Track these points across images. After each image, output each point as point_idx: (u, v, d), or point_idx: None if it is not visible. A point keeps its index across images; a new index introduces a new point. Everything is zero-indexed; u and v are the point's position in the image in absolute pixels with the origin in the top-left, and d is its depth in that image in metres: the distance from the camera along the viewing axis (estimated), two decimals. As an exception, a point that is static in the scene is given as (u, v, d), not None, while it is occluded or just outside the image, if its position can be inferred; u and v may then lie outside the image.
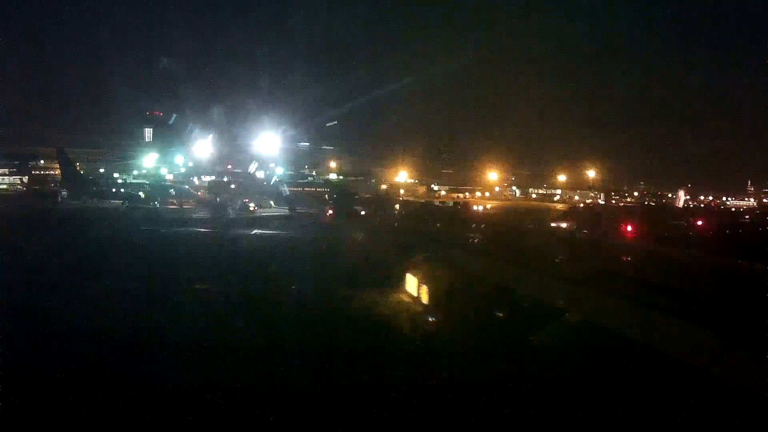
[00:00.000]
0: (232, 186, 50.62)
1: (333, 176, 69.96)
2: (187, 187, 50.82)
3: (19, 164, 66.31)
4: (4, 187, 65.00)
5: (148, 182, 52.93)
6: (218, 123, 58.06)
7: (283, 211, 45.64)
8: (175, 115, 57.39)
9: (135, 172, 60.57)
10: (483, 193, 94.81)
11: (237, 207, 42.91)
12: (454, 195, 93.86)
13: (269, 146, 54.35)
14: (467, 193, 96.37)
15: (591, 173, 73.70)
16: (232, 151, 55.49)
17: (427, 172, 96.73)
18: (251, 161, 53.38)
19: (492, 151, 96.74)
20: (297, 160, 69.06)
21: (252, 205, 43.77)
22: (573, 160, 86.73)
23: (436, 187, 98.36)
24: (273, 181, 52.93)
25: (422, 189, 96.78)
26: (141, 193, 47.00)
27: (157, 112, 70.01)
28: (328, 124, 51.02)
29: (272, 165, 56.05)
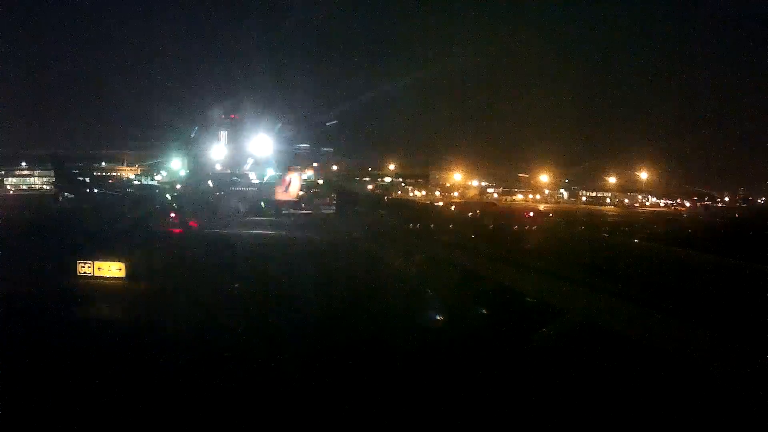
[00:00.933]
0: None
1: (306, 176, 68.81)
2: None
3: (82, 166, 71.25)
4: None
5: (136, 185, 55.92)
6: (236, 126, 59.56)
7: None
8: (197, 128, 59.36)
9: (156, 176, 64.20)
10: (534, 195, 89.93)
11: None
12: (503, 198, 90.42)
13: (265, 148, 54.68)
14: (520, 195, 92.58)
15: (644, 175, 66.62)
16: (237, 154, 56.60)
17: (481, 176, 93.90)
18: (248, 162, 54.05)
19: (547, 152, 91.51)
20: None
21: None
22: (635, 162, 78.88)
23: (491, 189, 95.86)
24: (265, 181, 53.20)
25: (473, 191, 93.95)
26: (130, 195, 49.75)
27: (234, 116, 72.42)
28: (328, 123, 50.36)
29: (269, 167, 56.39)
